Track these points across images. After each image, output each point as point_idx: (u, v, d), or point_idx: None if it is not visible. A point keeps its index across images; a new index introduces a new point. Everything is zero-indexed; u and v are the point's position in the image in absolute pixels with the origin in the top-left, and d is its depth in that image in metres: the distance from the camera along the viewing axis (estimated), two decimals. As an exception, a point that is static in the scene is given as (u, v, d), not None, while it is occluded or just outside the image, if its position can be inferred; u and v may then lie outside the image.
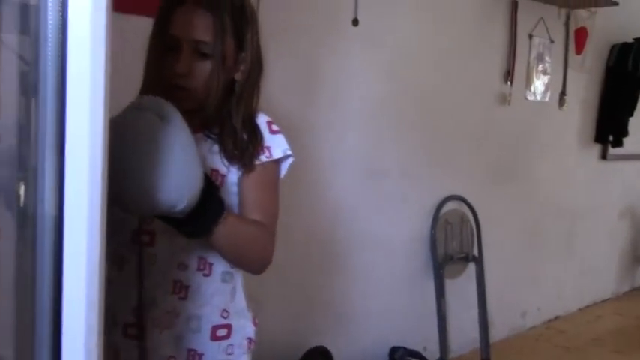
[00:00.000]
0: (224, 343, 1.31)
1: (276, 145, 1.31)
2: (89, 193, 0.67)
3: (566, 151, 4.24)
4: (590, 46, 4.16)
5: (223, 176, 1.26)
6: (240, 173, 1.27)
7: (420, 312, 3.32)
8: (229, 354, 1.32)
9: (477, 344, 3.48)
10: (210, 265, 1.28)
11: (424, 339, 3.32)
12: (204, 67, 1.22)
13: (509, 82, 3.60)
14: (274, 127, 1.32)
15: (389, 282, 3.18)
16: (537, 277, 4.14)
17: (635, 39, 4.33)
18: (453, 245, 3.39)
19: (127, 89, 1.21)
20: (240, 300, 1.35)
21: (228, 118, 1.27)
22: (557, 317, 4.35)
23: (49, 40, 0.67)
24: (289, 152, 1.32)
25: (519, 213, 3.90)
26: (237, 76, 1.28)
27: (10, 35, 0.71)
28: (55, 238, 0.67)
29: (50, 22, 0.66)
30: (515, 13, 3.57)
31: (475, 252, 3.50)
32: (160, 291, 1.25)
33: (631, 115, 4.36)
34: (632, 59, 4.32)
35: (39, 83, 0.66)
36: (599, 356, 3.79)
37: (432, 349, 3.29)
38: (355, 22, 2.75)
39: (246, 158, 1.26)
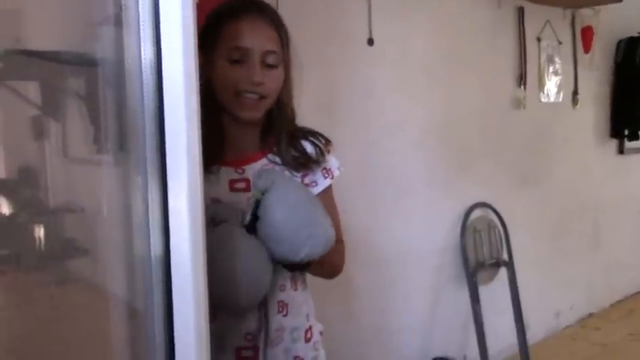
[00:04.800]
0: (311, 341, 1.47)
1: (333, 165, 1.46)
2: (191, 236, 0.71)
3: (584, 148, 4.27)
4: (597, 44, 4.21)
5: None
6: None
7: (456, 320, 3.34)
8: (316, 349, 1.48)
9: (515, 348, 3.48)
10: (296, 281, 1.42)
11: (463, 347, 3.34)
12: (273, 76, 1.33)
13: (522, 87, 3.65)
14: (329, 147, 1.46)
15: (423, 293, 3.20)
16: (567, 275, 4.14)
17: (640, 32, 4.38)
18: (483, 252, 3.42)
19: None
20: (312, 301, 1.49)
21: (283, 130, 1.39)
22: (590, 315, 4.35)
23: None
24: (342, 168, 1.47)
25: (544, 214, 3.93)
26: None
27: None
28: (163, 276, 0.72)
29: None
30: (522, 18, 3.62)
31: (505, 257, 3.52)
32: (269, 313, 1.37)
33: (644, 107, 4.38)
34: (639, 53, 4.36)
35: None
36: (637, 351, 3.78)
37: (472, 357, 3.31)
38: (370, 41, 2.81)
39: (312, 163, 1.41)
